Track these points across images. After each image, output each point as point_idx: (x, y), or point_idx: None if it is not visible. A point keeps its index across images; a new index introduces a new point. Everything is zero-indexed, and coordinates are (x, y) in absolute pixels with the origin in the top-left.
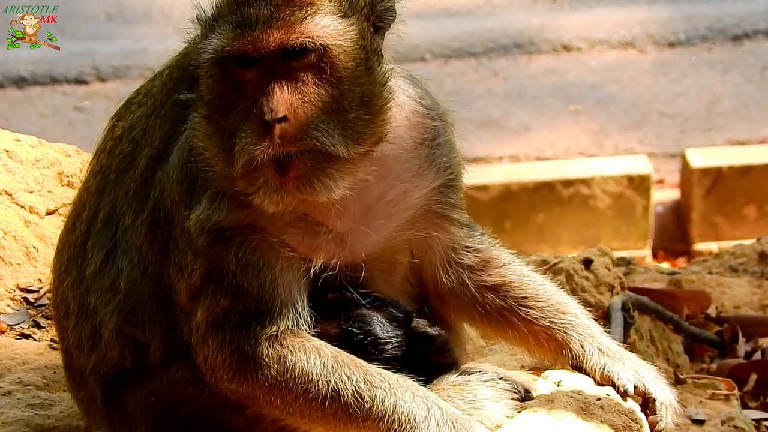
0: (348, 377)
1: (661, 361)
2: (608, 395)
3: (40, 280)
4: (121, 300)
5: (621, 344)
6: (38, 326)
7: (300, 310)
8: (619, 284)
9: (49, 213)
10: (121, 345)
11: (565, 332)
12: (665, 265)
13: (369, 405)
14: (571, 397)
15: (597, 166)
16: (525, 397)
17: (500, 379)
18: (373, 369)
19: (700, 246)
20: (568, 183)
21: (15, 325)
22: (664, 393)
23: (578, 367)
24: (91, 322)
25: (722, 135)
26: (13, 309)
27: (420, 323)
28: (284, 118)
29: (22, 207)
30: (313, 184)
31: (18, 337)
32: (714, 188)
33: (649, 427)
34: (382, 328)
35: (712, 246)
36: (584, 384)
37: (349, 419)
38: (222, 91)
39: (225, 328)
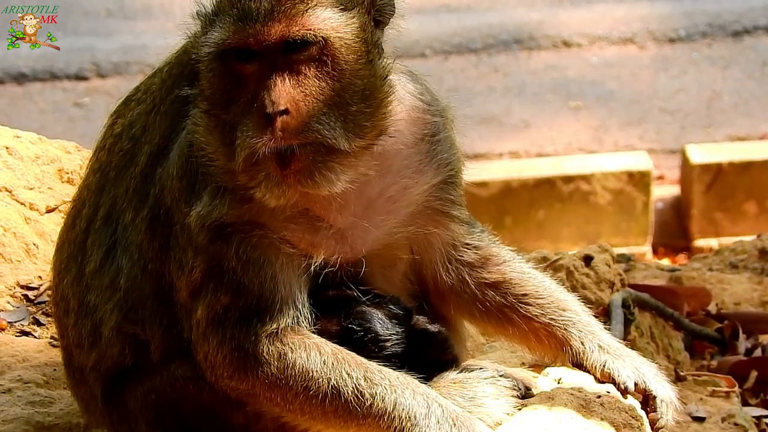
0: (348, 374)
1: (661, 358)
2: (609, 392)
3: (40, 277)
4: (121, 297)
5: (621, 341)
6: (38, 323)
7: (300, 307)
8: (620, 281)
9: (49, 210)
10: (121, 342)
11: (565, 329)
12: (665, 262)
13: (369, 402)
14: (572, 394)
15: (597, 162)
16: (525, 394)
17: (500, 376)
18: (374, 366)
19: (700, 242)
20: (568, 179)
21: (15, 322)
22: (664, 390)
23: (579, 364)
24: (91, 319)
25: (722, 131)
26: (13, 306)
27: (420, 320)
28: (285, 111)
29: (22, 204)
30: (314, 177)
31: (18, 334)
32: (714, 184)
33: (650, 425)
34: (382, 325)
35: (713, 242)
36: (585, 381)
37: (349, 416)
38: (223, 85)
39: (225, 325)
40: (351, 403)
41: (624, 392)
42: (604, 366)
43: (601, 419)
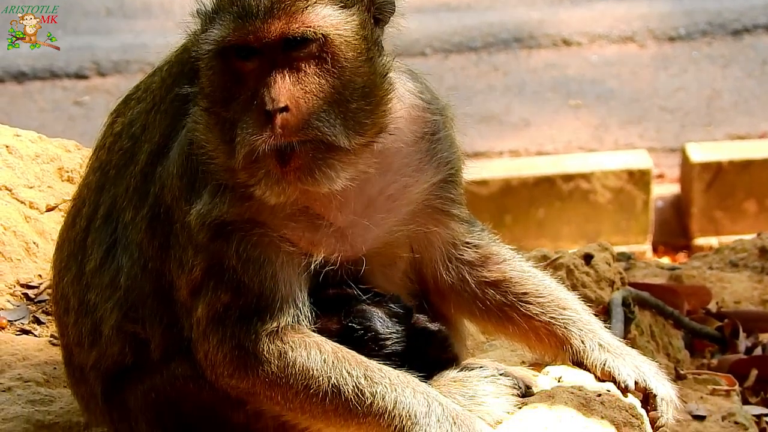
0: (348, 373)
1: (661, 357)
2: (609, 391)
3: (40, 275)
4: (122, 296)
5: (621, 340)
6: (38, 322)
7: (300, 305)
8: (620, 279)
9: (49, 209)
10: (121, 341)
11: (565, 328)
12: (665, 260)
13: (370, 401)
14: (572, 393)
15: (597, 160)
16: (525, 393)
17: (501, 375)
18: (374, 365)
19: (700, 241)
20: (568, 178)
21: (15, 320)
22: (664, 388)
23: (579, 363)
24: (92, 318)
25: (722, 129)
26: (13, 305)
27: (420, 319)
28: (285, 108)
29: (22, 202)
30: (314, 175)
31: (18, 333)
32: (714, 183)
33: (650, 423)
34: (382, 323)
35: (713, 241)
36: (585, 380)
37: (349, 415)
38: (223, 82)
39: (226, 324)
40: (351, 401)
41: (624, 391)
42: (604, 364)
43: (602, 418)
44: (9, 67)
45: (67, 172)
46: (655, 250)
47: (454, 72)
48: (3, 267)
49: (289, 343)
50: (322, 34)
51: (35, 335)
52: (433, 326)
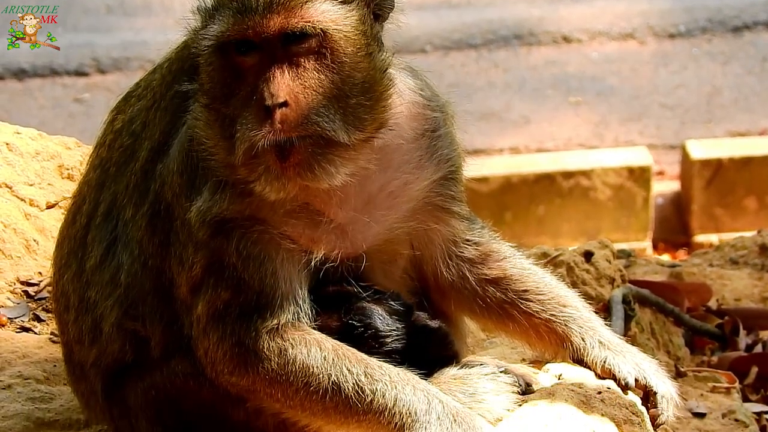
0: (349, 370)
1: (661, 354)
2: (609, 388)
3: (40, 273)
4: (122, 293)
5: (622, 337)
6: (38, 319)
7: (301, 302)
8: (620, 277)
9: (50, 206)
10: (121, 339)
11: (565, 325)
12: (665, 257)
13: (370, 398)
14: (572, 390)
15: (597, 157)
16: (526, 390)
17: (501, 372)
18: (374, 362)
19: (700, 238)
20: (568, 175)
21: (15, 318)
22: (665, 386)
23: (579, 360)
24: (92, 315)
25: (722, 126)
26: (13, 302)
27: (420, 316)
28: (285, 103)
29: (22, 200)
30: (314, 170)
31: (18, 330)
32: (714, 180)
33: (650, 421)
34: (382, 321)
35: (713, 238)
36: (585, 377)
37: (349, 412)
38: (222, 78)
39: (226, 321)
40: (351, 399)
41: (625, 388)
42: (604, 362)
43: (602, 415)
44: (9, 64)
45: (68, 169)
46: (655, 247)
47: (455, 69)
48: (3, 264)
49: (289, 340)
50: (321, 29)
51: (35, 333)
52: (434, 324)
